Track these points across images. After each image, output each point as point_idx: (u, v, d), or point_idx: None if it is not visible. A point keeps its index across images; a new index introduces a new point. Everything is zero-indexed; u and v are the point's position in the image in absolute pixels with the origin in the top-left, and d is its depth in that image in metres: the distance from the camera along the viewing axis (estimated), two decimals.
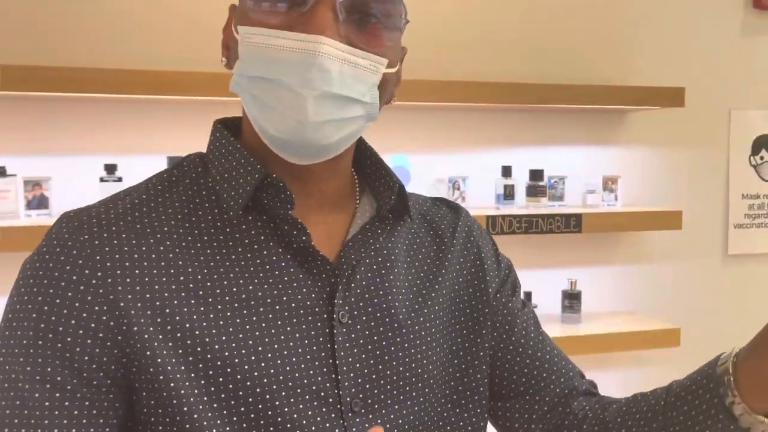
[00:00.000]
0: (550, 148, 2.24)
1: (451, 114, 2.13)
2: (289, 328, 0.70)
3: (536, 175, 2.10)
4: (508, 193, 2.08)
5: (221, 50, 0.75)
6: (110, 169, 1.76)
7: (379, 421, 0.72)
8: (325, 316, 0.71)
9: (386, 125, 2.10)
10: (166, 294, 0.67)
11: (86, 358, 0.64)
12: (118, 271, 0.66)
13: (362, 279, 0.75)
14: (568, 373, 0.88)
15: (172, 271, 0.68)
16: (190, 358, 0.66)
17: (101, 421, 0.65)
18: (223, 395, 0.66)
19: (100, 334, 0.64)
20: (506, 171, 2.08)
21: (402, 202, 0.79)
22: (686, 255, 2.41)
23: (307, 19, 0.66)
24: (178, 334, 0.66)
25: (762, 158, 2.50)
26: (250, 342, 0.68)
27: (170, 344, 0.66)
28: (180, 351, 0.66)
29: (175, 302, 0.67)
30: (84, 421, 0.64)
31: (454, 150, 2.13)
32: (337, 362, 0.71)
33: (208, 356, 0.66)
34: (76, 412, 0.64)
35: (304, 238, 0.71)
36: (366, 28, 0.69)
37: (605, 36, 2.27)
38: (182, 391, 0.65)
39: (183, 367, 0.65)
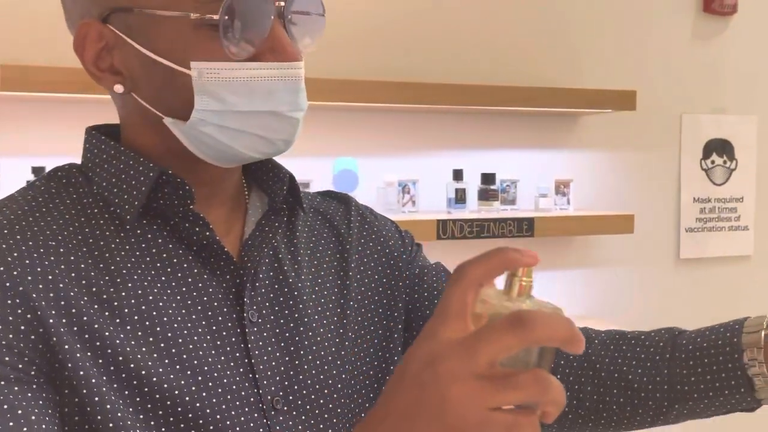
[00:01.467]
0: (502, 151, 2.21)
1: (401, 116, 2.08)
2: (200, 330, 0.68)
3: (488, 178, 2.06)
4: (460, 197, 2.04)
5: (90, 70, 0.70)
6: (38, 172, 1.67)
7: (303, 417, 0.72)
8: (235, 315, 0.70)
9: (333, 128, 2.06)
10: (72, 294, 0.64)
11: (15, 351, 0.60)
12: (20, 269, 0.63)
13: (266, 277, 0.74)
14: None
15: (73, 274, 0.65)
16: (100, 361, 0.63)
17: (47, 418, 0.60)
18: (138, 399, 0.64)
19: (22, 327, 0.61)
20: (457, 174, 2.05)
21: (294, 195, 0.79)
22: (639, 259, 2.40)
23: (273, 46, 0.67)
24: (86, 336, 0.63)
25: (713, 162, 2.51)
26: (162, 345, 0.66)
27: (80, 346, 0.63)
28: (90, 353, 0.63)
29: (81, 305, 0.64)
30: (32, 417, 0.59)
31: (403, 153, 2.08)
32: (253, 361, 0.70)
33: (120, 361, 0.64)
34: (24, 403, 0.59)
35: (207, 233, 0.70)
36: (294, 32, 0.72)
37: (557, 39, 2.25)
38: (100, 394, 0.62)
39: (95, 370, 0.63)
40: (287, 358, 0.72)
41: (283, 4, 0.68)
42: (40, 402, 0.60)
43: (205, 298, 0.69)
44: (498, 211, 2.06)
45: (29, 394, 0.60)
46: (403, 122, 2.08)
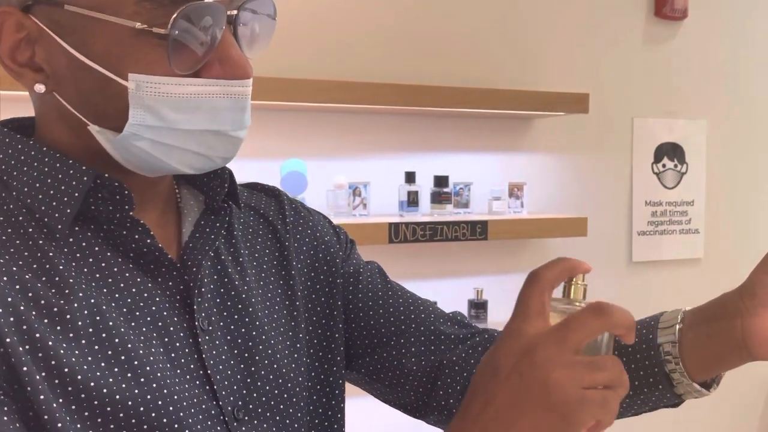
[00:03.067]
0: (456, 153, 2.18)
1: (352, 117, 2.04)
2: (153, 342, 0.64)
3: (441, 181, 2.03)
4: (412, 200, 2.00)
5: (5, 63, 0.63)
6: None
7: (265, 424, 0.69)
8: (185, 324, 0.66)
9: (281, 129, 2.01)
10: (21, 309, 0.58)
11: None
12: None
13: (211, 281, 0.70)
14: (426, 309, 0.85)
15: (18, 286, 0.58)
16: (56, 381, 0.58)
17: None
18: (98, 419, 0.59)
19: None
20: (410, 177, 2.01)
21: (231, 192, 0.74)
22: (591, 262, 2.36)
23: (222, 57, 0.62)
24: (39, 354, 0.57)
25: (664, 166, 2.52)
26: (117, 360, 0.61)
27: (35, 367, 0.57)
28: (44, 374, 0.57)
29: (32, 320, 0.58)
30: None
31: (354, 155, 2.04)
32: (209, 372, 0.66)
33: (78, 381, 0.58)
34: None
35: (148, 240, 0.65)
36: (244, 39, 0.66)
37: (511, 41, 2.24)
38: (56, 417, 0.57)
39: (50, 391, 0.57)
40: (242, 366, 0.69)
41: (235, 12, 0.63)
42: (17, 424, 0.56)
43: (153, 308, 0.65)
44: (451, 214, 2.03)
45: (4, 417, 0.55)
46: (354, 123, 2.04)
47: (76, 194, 0.62)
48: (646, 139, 2.48)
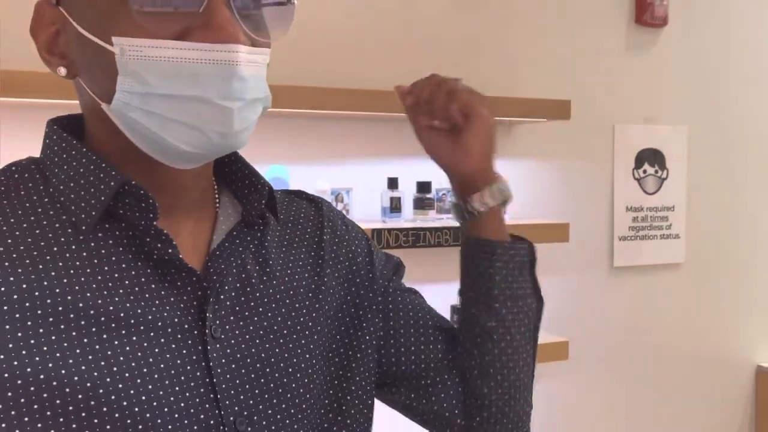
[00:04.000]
0: None
1: (334, 123, 2.04)
2: (157, 350, 0.63)
3: (424, 187, 2.04)
4: (395, 206, 2.00)
5: (42, 55, 0.66)
6: None
7: None
8: (196, 332, 0.66)
9: (264, 134, 1.99)
10: (7, 327, 0.58)
11: None
12: None
13: (232, 290, 0.70)
14: (446, 338, 0.89)
15: (15, 296, 0.59)
16: (34, 397, 0.57)
17: None
18: (92, 426, 0.59)
19: None
20: (392, 183, 2.01)
21: (270, 207, 0.75)
22: (573, 267, 2.41)
23: (208, 22, 0.61)
24: (29, 369, 0.57)
25: (645, 171, 2.54)
26: (115, 369, 0.61)
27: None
28: (21, 392, 0.57)
29: (18, 332, 0.58)
30: None
31: (337, 161, 2.04)
32: (215, 380, 0.66)
33: (66, 389, 0.58)
34: None
35: (170, 250, 0.65)
36: (255, 19, 0.65)
37: (492, 47, 2.25)
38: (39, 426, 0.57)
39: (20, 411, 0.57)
40: (253, 376, 0.68)
41: None
42: None
43: (164, 314, 0.65)
44: (434, 219, 2.04)
45: None
46: (336, 129, 2.04)
47: (103, 198, 0.63)
48: (627, 145, 2.50)
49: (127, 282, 0.64)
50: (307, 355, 0.74)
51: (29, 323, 0.59)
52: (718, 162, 2.67)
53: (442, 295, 2.13)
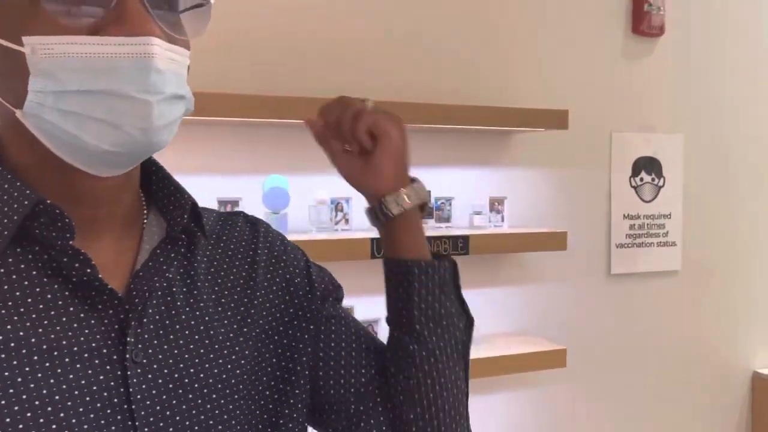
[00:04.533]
0: (437, 168, 2.20)
1: None
2: (72, 376, 0.61)
3: None
4: None
5: None
6: None
7: None
8: (116, 357, 0.63)
9: (264, 145, 2.01)
10: None
11: None
12: None
13: (156, 312, 0.67)
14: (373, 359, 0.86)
15: None
16: None
17: None
18: None
19: None
20: None
21: (196, 221, 0.73)
22: (571, 275, 2.42)
23: (121, 17, 0.59)
24: None
25: (642, 179, 2.56)
26: (24, 397, 0.58)
27: None
28: None
29: None
30: None
31: (335, 170, 2.05)
32: (134, 407, 0.63)
33: None
34: None
35: (88, 270, 0.63)
36: (171, 19, 0.64)
37: (490, 58, 2.26)
38: None
39: None
40: (174, 402, 0.66)
41: None
42: None
43: (81, 339, 0.62)
44: (433, 228, 2.05)
45: None
46: None
47: (15, 217, 0.61)
48: (624, 153, 2.52)
49: (41, 306, 0.62)
50: (233, 380, 0.71)
51: None
52: (713, 170, 2.69)
53: None
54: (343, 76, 2.03)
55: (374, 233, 1.96)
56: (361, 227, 2.04)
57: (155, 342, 0.67)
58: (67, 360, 0.61)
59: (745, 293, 2.77)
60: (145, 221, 0.72)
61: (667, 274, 2.61)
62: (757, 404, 2.78)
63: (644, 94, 2.54)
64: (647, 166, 2.56)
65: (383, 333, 1.93)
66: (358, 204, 2.02)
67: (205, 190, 1.83)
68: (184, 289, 0.71)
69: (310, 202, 1.92)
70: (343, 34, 2.05)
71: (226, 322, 0.73)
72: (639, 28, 2.48)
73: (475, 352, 2.06)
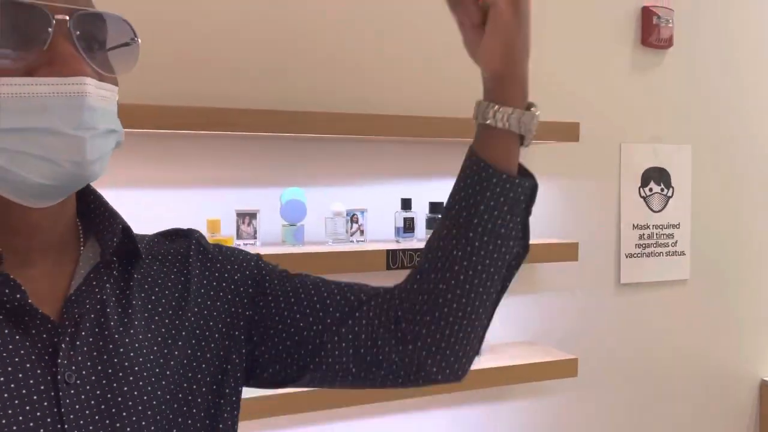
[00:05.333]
0: (450, 179, 2.22)
1: (349, 145, 2.08)
2: (6, 395, 0.63)
3: (436, 207, 2.08)
4: (408, 226, 2.04)
5: None
6: None
7: None
8: (49, 378, 0.65)
9: (281, 157, 2.04)
10: None
11: None
12: None
13: (89, 334, 0.69)
14: (339, 295, 0.86)
15: None
16: None
17: None
18: None
19: None
20: (406, 204, 2.05)
21: (131, 244, 0.75)
22: (581, 284, 2.45)
23: (53, 59, 0.62)
24: None
25: (651, 190, 2.58)
26: None
27: None
28: None
29: None
30: None
31: (351, 182, 2.08)
32: (66, 427, 0.65)
33: None
34: None
35: (18, 296, 0.65)
36: (99, 56, 0.67)
37: None
38: None
39: None
40: (107, 421, 0.68)
41: (67, 18, 0.63)
42: None
43: (16, 361, 0.64)
44: None
45: None
46: (351, 151, 2.08)
47: None
48: (633, 164, 2.54)
49: None
50: (167, 396, 0.73)
51: None
52: (722, 180, 2.72)
53: None
54: (361, 91, 2.06)
55: (389, 244, 2.00)
56: (376, 238, 2.07)
57: (88, 363, 0.68)
58: (1, 380, 0.63)
59: (754, 302, 2.79)
60: (82, 248, 0.74)
61: (676, 284, 2.64)
62: (765, 412, 2.80)
63: (653, 106, 2.57)
64: (656, 176, 2.59)
65: None
66: (373, 215, 2.05)
67: (224, 203, 1.87)
68: (119, 310, 0.73)
69: (326, 214, 1.95)
70: (359, 50, 2.08)
71: (159, 339, 0.75)
72: (648, 40, 2.51)
73: (487, 361, 2.09)
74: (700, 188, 2.67)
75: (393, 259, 1.91)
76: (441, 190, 2.18)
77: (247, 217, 1.85)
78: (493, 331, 2.27)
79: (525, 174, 0.82)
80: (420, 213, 2.08)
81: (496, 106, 0.79)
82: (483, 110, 0.80)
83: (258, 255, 0.90)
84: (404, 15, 2.14)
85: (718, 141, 2.70)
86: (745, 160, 2.75)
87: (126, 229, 0.74)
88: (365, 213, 2.01)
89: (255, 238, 1.86)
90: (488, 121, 0.79)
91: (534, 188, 0.82)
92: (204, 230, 1.75)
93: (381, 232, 2.08)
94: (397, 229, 2.05)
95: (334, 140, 2.03)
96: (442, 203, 2.07)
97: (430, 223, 2.07)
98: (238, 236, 1.84)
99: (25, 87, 0.61)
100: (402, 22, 2.14)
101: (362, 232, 2.00)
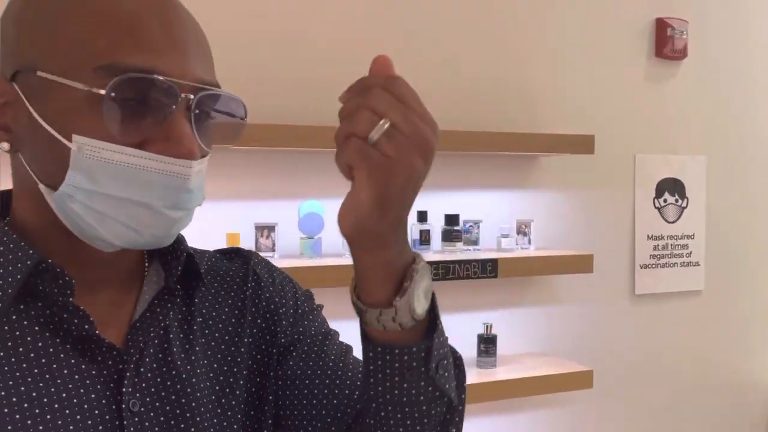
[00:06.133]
0: (464, 192, 2.24)
1: None
2: (72, 427, 0.63)
3: (452, 219, 2.09)
4: (424, 238, 2.06)
5: None
6: None
7: None
8: (114, 406, 0.66)
9: (300, 171, 2.06)
10: None
11: None
12: None
13: (153, 361, 0.70)
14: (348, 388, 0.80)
15: None
16: None
17: None
18: None
19: None
20: (422, 216, 2.07)
21: (193, 270, 0.74)
22: (596, 296, 2.45)
23: (168, 135, 0.63)
24: None
25: (665, 200, 2.59)
26: None
27: None
28: None
29: None
30: None
31: None
32: None
33: None
34: None
35: (87, 326, 0.65)
36: (207, 132, 0.67)
37: (514, 83, 2.30)
38: None
39: None
40: None
41: (192, 97, 0.64)
42: None
43: (81, 390, 0.65)
44: (461, 251, 2.09)
45: None
46: None
47: (19, 276, 0.64)
48: (647, 174, 2.55)
49: (44, 360, 0.64)
50: (223, 419, 0.73)
51: None
52: (736, 190, 2.72)
53: (469, 324, 2.19)
54: None
55: None
56: None
57: (152, 390, 0.69)
58: (67, 412, 0.64)
59: None
60: (146, 272, 0.75)
61: (690, 294, 2.64)
62: None
63: (667, 117, 2.57)
64: (671, 187, 2.59)
65: None
66: None
67: (243, 216, 1.89)
68: (181, 336, 0.73)
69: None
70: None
71: (216, 365, 0.75)
72: (662, 52, 2.52)
73: (503, 373, 2.10)
74: (715, 199, 2.67)
75: None
76: (456, 202, 2.20)
77: (265, 230, 1.87)
78: (509, 342, 2.28)
79: (426, 331, 0.69)
80: (435, 225, 2.10)
81: (359, 305, 0.68)
82: (365, 315, 0.68)
83: (307, 296, 0.86)
84: (419, 29, 2.15)
85: (733, 151, 2.70)
86: (759, 170, 2.75)
87: (189, 255, 0.74)
88: None
89: (273, 250, 1.88)
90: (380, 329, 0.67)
91: (428, 349, 0.67)
92: (223, 244, 1.76)
93: None
94: (413, 242, 2.06)
95: None
96: (458, 215, 2.10)
97: (445, 235, 2.08)
98: (257, 249, 1.86)
99: (138, 159, 0.62)
100: (415, 35, 2.15)
101: None
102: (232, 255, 0.84)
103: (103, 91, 0.60)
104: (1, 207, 0.71)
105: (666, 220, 2.59)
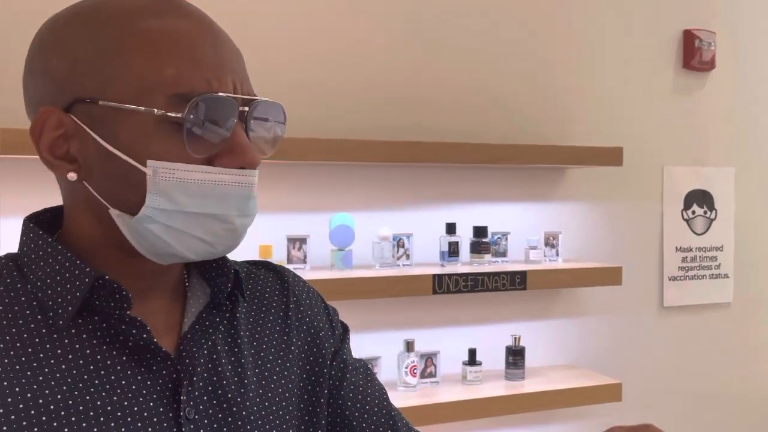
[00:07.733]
0: (493, 204, 2.25)
1: (396, 171, 2.12)
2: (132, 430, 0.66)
3: (480, 231, 2.10)
4: (453, 250, 2.07)
5: (43, 156, 0.68)
6: None
7: None
8: (171, 414, 0.69)
9: (330, 184, 2.09)
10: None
11: None
12: None
13: (204, 371, 0.73)
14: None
15: None
16: None
17: None
18: None
19: None
20: (450, 228, 2.08)
21: (237, 286, 0.78)
22: (624, 308, 2.45)
23: (232, 149, 0.68)
24: None
25: (694, 212, 2.58)
26: None
27: None
28: None
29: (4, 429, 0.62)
30: None
31: (398, 207, 2.11)
32: None
33: None
34: None
35: (144, 335, 0.68)
36: (257, 139, 0.72)
37: (542, 96, 2.31)
38: None
39: None
40: None
41: (246, 109, 0.68)
42: None
43: (140, 399, 0.68)
44: (489, 263, 2.10)
45: None
46: (397, 177, 2.12)
47: (78, 293, 0.67)
48: (675, 186, 2.54)
49: (103, 372, 0.67)
50: (275, 426, 0.76)
51: (3, 419, 0.62)
52: (765, 202, 2.70)
53: (498, 336, 2.20)
54: (404, 120, 2.10)
55: (434, 268, 2.03)
56: (422, 262, 2.10)
57: (204, 398, 0.72)
58: (129, 420, 0.66)
59: None
60: (187, 284, 0.78)
61: (719, 307, 2.62)
62: None
63: (696, 128, 2.57)
64: (699, 199, 2.58)
65: (443, 363, 1.97)
66: (418, 240, 2.08)
67: (275, 228, 1.91)
68: (227, 349, 0.76)
69: (373, 238, 1.99)
70: (405, 79, 2.12)
71: (267, 376, 0.78)
72: (690, 63, 2.52)
73: (531, 386, 2.10)
74: (744, 210, 2.65)
75: (439, 284, 1.93)
76: (485, 214, 2.21)
77: (297, 242, 1.90)
78: (537, 354, 2.28)
79: None
80: (464, 237, 2.11)
81: None
82: None
83: (334, 312, 0.91)
84: (448, 44, 2.17)
85: (762, 163, 2.69)
86: None
87: (237, 274, 0.77)
88: (411, 237, 2.04)
89: (305, 262, 1.90)
90: None
91: None
92: (256, 256, 1.79)
93: (426, 256, 2.11)
94: (442, 253, 2.08)
95: (380, 166, 2.07)
96: (486, 227, 2.11)
97: (474, 246, 2.10)
98: (289, 260, 1.88)
99: (208, 175, 0.67)
100: (444, 49, 2.17)
101: (408, 256, 2.03)
102: (260, 267, 0.88)
103: (181, 115, 0.64)
104: (51, 223, 0.74)
105: (694, 232, 2.58)
